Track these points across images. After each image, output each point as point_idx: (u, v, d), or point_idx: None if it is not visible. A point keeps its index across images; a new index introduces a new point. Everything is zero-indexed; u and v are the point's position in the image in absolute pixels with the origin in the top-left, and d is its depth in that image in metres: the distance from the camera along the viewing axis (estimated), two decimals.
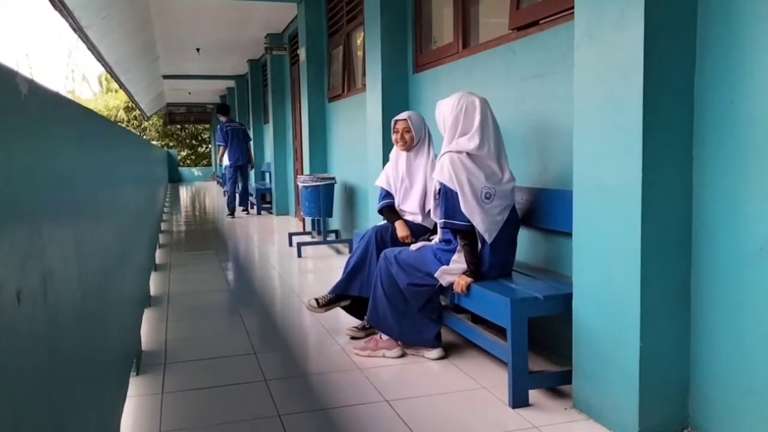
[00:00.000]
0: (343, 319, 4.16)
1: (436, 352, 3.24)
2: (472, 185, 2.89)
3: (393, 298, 3.25)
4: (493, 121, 3.01)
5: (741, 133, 2.07)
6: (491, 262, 2.97)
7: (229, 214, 10.68)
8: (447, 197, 2.93)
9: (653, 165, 2.22)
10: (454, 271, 3.03)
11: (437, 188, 3.03)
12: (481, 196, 2.89)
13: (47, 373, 1.09)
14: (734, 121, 2.09)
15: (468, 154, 2.92)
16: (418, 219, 3.75)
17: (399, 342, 3.30)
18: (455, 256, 3.03)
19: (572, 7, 2.61)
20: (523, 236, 3.41)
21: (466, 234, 2.94)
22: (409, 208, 3.79)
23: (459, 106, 2.99)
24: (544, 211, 3.15)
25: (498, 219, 2.93)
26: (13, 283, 0.89)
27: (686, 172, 2.27)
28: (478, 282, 2.94)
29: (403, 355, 3.28)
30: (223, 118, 10.83)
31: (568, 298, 2.66)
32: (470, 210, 2.88)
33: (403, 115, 3.72)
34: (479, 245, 2.96)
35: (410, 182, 3.76)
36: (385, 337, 3.31)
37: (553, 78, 3.13)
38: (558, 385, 2.78)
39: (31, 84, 1.05)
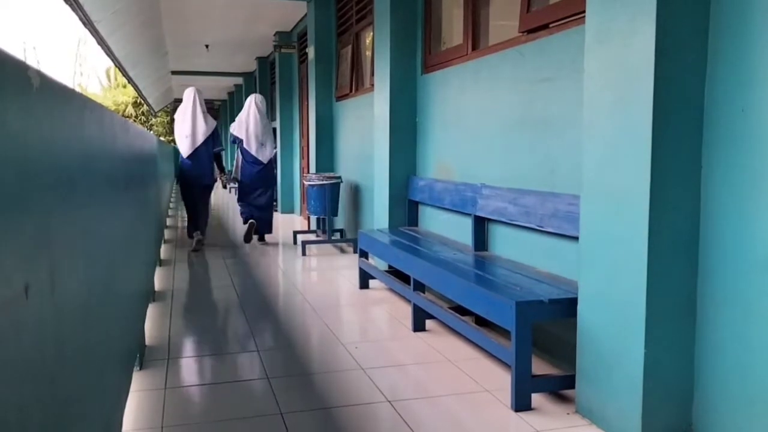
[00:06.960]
0: (345, 319, 4.16)
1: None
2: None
3: None
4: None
5: (751, 142, 2.06)
6: None
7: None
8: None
9: (662, 171, 2.21)
10: None
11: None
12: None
13: (52, 366, 1.09)
14: (745, 128, 2.08)
15: None
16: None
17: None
18: None
19: (583, 11, 2.60)
20: (530, 240, 3.40)
21: None
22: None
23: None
24: (551, 214, 3.14)
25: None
26: (20, 277, 0.89)
27: (695, 179, 2.26)
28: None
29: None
30: None
31: (573, 302, 2.65)
32: None
33: None
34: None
35: None
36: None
37: (563, 82, 3.12)
38: (561, 389, 2.78)
39: (43, 77, 1.05)
